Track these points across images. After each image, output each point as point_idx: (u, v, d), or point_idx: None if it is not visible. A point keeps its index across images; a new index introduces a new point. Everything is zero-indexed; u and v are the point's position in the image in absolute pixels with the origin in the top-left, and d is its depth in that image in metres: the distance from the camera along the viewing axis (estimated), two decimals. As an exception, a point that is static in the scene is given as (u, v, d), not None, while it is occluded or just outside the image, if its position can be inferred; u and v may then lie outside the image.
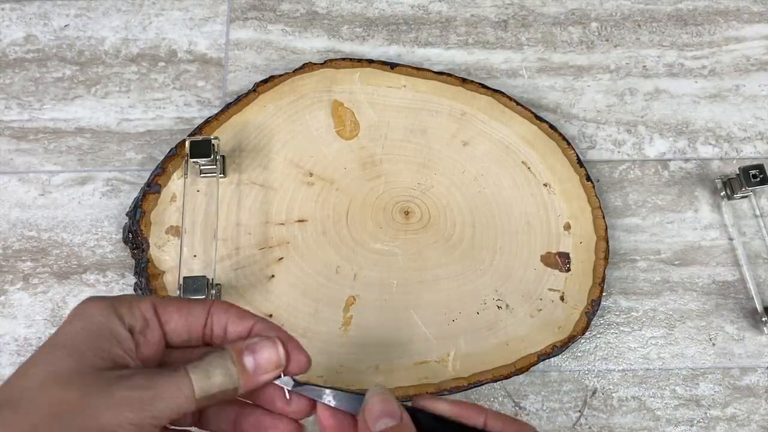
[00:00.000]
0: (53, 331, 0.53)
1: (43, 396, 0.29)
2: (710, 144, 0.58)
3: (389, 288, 0.52)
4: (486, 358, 0.50)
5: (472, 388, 0.50)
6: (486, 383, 0.50)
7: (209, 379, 0.31)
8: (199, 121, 0.58)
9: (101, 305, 0.32)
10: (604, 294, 0.54)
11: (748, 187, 0.53)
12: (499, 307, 0.52)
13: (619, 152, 0.58)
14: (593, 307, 0.52)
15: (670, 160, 0.58)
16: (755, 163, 0.54)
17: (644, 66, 0.60)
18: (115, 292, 0.54)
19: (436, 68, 0.60)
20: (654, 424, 0.52)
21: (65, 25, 0.62)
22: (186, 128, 0.58)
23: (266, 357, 0.33)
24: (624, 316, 0.54)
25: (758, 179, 0.53)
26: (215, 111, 0.58)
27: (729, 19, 0.62)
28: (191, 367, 0.31)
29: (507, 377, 0.50)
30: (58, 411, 0.28)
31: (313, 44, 0.61)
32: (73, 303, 0.54)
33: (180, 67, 0.60)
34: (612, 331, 0.54)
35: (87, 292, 0.54)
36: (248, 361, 0.32)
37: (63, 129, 0.59)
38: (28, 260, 0.55)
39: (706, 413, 0.52)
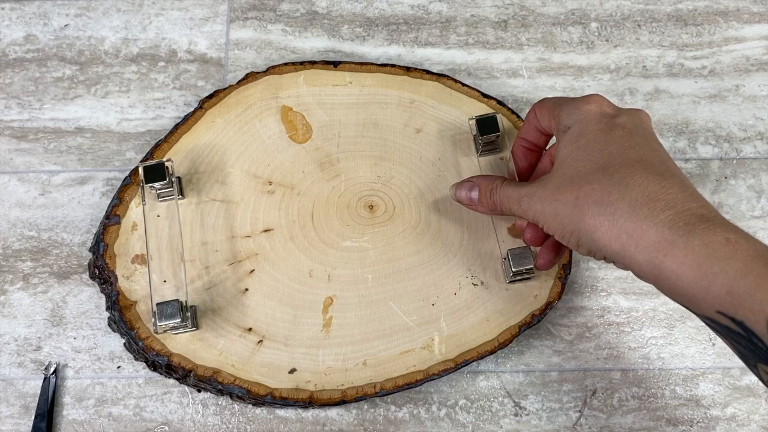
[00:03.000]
0: (53, 331, 0.54)
1: None
2: (710, 144, 0.58)
3: (365, 283, 0.52)
4: (469, 337, 0.51)
5: (460, 368, 0.50)
6: (473, 361, 0.51)
7: None
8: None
9: None
10: (603, 293, 0.54)
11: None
12: (474, 285, 0.52)
13: (619, 152, 0.58)
14: (565, 272, 0.52)
15: (670, 160, 0.58)
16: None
17: (644, 66, 0.60)
18: (115, 292, 0.54)
19: (436, 68, 0.60)
20: (654, 424, 0.52)
21: (65, 25, 0.62)
22: (186, 128, 0.58)
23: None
24: (624, 316, 0.54)
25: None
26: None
27: (729, 19, 0.62)
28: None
29: (492, 352, 0.51)
30: None
31: (313, 44, 0.61)
32: (73, 303, 0.54)
33: (180, 66, 0.60)
34: (612, 331, 0.54)
35: (87, 292, 0.54)
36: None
37: (63, 129, 0.59)
38: (28, 260, 0.55)
39: (706, 413, 0.52)
